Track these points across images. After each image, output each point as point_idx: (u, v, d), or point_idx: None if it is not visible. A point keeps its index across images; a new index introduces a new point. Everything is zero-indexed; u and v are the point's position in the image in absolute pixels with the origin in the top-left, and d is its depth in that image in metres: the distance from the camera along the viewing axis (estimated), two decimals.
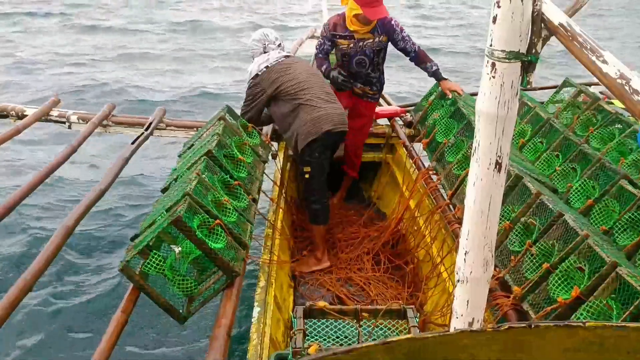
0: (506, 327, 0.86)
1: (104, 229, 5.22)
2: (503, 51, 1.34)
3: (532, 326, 0.86)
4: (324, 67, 4.62)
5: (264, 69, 4.20)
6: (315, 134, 3.95)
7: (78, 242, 4.89)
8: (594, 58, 1.21)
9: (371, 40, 4.52)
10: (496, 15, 1.33)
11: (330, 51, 4.67)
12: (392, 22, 4.49)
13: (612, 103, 4.52)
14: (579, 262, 2.50)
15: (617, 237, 2.94)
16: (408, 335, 0.84)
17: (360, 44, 4.53)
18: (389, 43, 4.58)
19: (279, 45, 4.38)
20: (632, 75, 1.15)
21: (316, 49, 4.72)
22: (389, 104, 5.65)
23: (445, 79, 4.57)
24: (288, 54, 4.39)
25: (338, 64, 4.72)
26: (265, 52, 4.33)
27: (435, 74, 4.57)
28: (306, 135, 3.97)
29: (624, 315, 2.22)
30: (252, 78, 4.27)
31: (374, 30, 4.47)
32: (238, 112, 4.24)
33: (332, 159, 4.35)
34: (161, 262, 2.75)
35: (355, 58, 4.58)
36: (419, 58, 4.57)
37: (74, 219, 3.36)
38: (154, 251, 2.77)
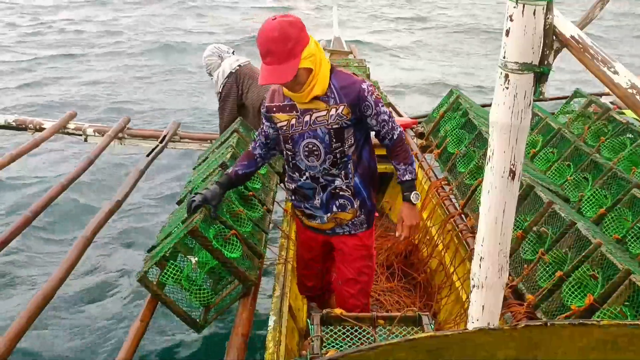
0: (523, 325, 0.89)
1: (122, 240, 5.29)
2: (516, 63, 1.38)
3: (548, 324, 0.90)
4: (234, 168, 3.02)
5: (237, 67, 4.32)
6: None
7: (96, 253, 4.96)
8: (605, 69, 1.25)
9: (324, 113, 2.72)
10: (509, 28, 1.37)
11: (269, 140, 2.97)
12: (362, 86, 2.71)
13: (623, 113, 4.55)
14: (592, 270, 2.52)
15: (630, 245, 2.95)
16: (430, 333, 0.88)
17: (307, 118, 2.76)
18: (359, 119, 2.78)
19: (233, 53, 4.51)
20: None
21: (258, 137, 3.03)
22: (400, 115, 5.70)
23: (410, 202, 2.93)
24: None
25: (285, 161, 2.98)
26: (223, 60, 4.45)
27: (404, 185, 2.94)
28: None
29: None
30: (226, 77, 4.37)
31: (327, 97, 2.70)
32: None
33: None
34: (178, 272, 2.80)
35: (303, 143, 2.80)
36: (395, 151, 2.90)
37: (92, 230, 3.44)
38: (171, 261, 2.82)
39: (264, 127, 2.92)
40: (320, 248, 3.14)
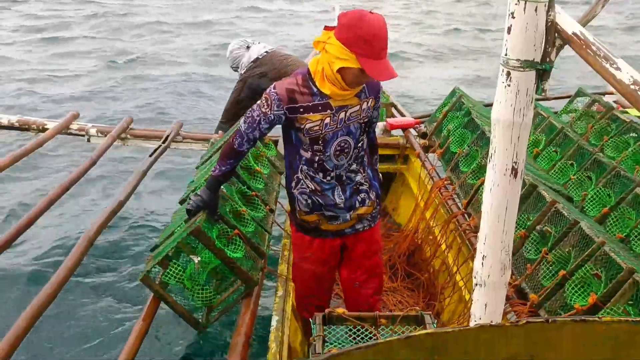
0: (524, 322, 0.89)
1: (124, 240, 5.29)
2: (518, 60, 1.38)
3: (550, 321, 0.89)
4: (218, 169, 2.82)
5: (265, 53, 4.31)
6: None
7: (99, 253, 4.97)
8: (607, 65, 1.25)
9: (357, 108, 2.70)
10: (511, 25, 1.37)
11: (262, 137, 2.86)
12: None
13: (626, 112, 4.54)
14: (595, 269, 2.51)
15: (634, 244, 2.94)
16: (429, 330, 0.88)
17: (342, 115, 2.69)
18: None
19: (259, 43, 4.51)
20: None
21: (241, 122, 2.80)
22: (402, 115, 5.69)
23: None
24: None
25: (302, 163, 2.80)
26: (250, 48, 4.45)
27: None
28: None
29: None
30: (252, 61, 4.36)
31: (359, 92, 2.69)
32: None
33: None
34: (180, 272, 2.81)
35: (335, 143, 2.72)
36: (375, 143, 3.03)
37: (95, 230, 3.44)
38: (174, 261, 2.82)
39: (262, 128, 2.71)
40: (337, 254, 3.03)
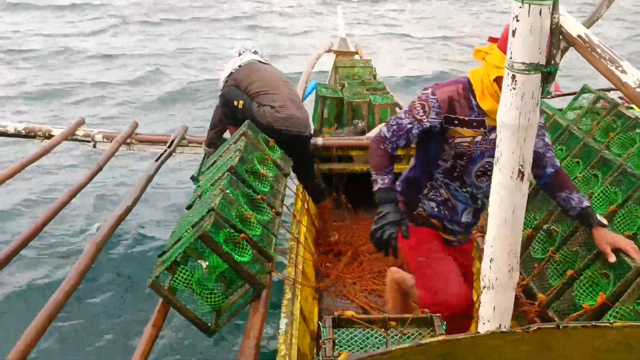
0: (535, 328, 0.89)
1: (132, 245, 5.32)
2: (523, 63, 1.38)
3: (560, 327, 0.90)
4: (384, 179, 2.56)
5: (237, 67, 4.33)
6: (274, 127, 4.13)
7: (107, 259, 4.99)
8: (613, 68, 1.25)
9: None
10: (515, 28, 1.37)
11: (407, 146, 2.66)
12: None
13: (632, 108, 4.52)
14: (603, 268, 2.51)
15: None
16: (442, 337, 0.88)
17: (493, 136, 2.47)
18: None
19: (255, 52, 4.53)
20: None
21: (383, 130, 2.61)
22: None
23: (604, 226, 2.62)
24: (265, 62, 4.54)
25: (438, 172, 2.66)
26: (239, 56, 4.49)
27: (585, 216, 2.62)
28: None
29: None
30: (226, 77, 4.40)
31: None
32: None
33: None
34: (189, 276, 2.82)
35: (479, 164, 2.60)
36: (559, 180, 2.68)
37: (102, 236, 3.45)
38: (182, 266, 2.83)
39: (411, 136, 2.53)
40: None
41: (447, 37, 16.11)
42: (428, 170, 2.68)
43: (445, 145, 2.55)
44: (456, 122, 2.49)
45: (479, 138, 2.52)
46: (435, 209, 2.72)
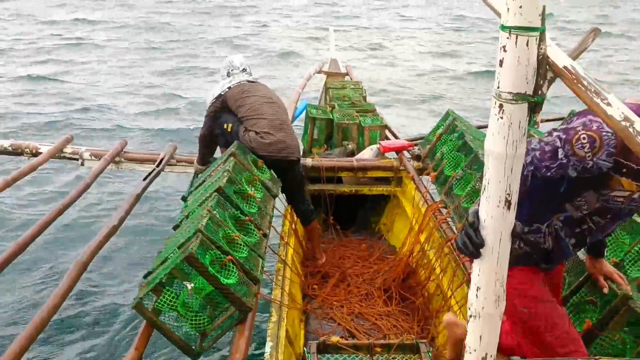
0: None
1: (117, 266, 5.25)
2: (510, 93, 1.38)
3: None
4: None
5: (227, 90, 4.33)
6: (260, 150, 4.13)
7: (92, 279, 4.92)
8: (598, 100, 1.25)
9: None
10: (502, 58, 1.38)
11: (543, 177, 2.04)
12: None
13: None
14: (590, 295, 2.51)
15: (628, 269, 2.94)
16: None
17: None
18: None
19: (244, 70, 4.52)
20: (635, 118, 1.19)
21: (529, 164, 2.02)
22: (396, 137, 5.71)
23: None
24: (253, 80, 4.53)
25: (558, 218, 2.18)
26: (228, 77, 4.47)
27: (600, 244, 2.45)
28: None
29: (638, 349, 2.23)
30: (214, 98, 4.39)
31: None
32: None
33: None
34: (174, 298, 2.78)
35: (617, 223, 2.22)
36: None
37: (87, 256, 3.40)
38: (167, 288, 2.80)
39: (559, 171, 1.98)
40: None
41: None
42: (544, 212, 2.18)
43: (594, 193, 2.04)
44: (624, 170, 1.92)
45: (636, 195, 2.00)
46: (530, 252, 2.25)
